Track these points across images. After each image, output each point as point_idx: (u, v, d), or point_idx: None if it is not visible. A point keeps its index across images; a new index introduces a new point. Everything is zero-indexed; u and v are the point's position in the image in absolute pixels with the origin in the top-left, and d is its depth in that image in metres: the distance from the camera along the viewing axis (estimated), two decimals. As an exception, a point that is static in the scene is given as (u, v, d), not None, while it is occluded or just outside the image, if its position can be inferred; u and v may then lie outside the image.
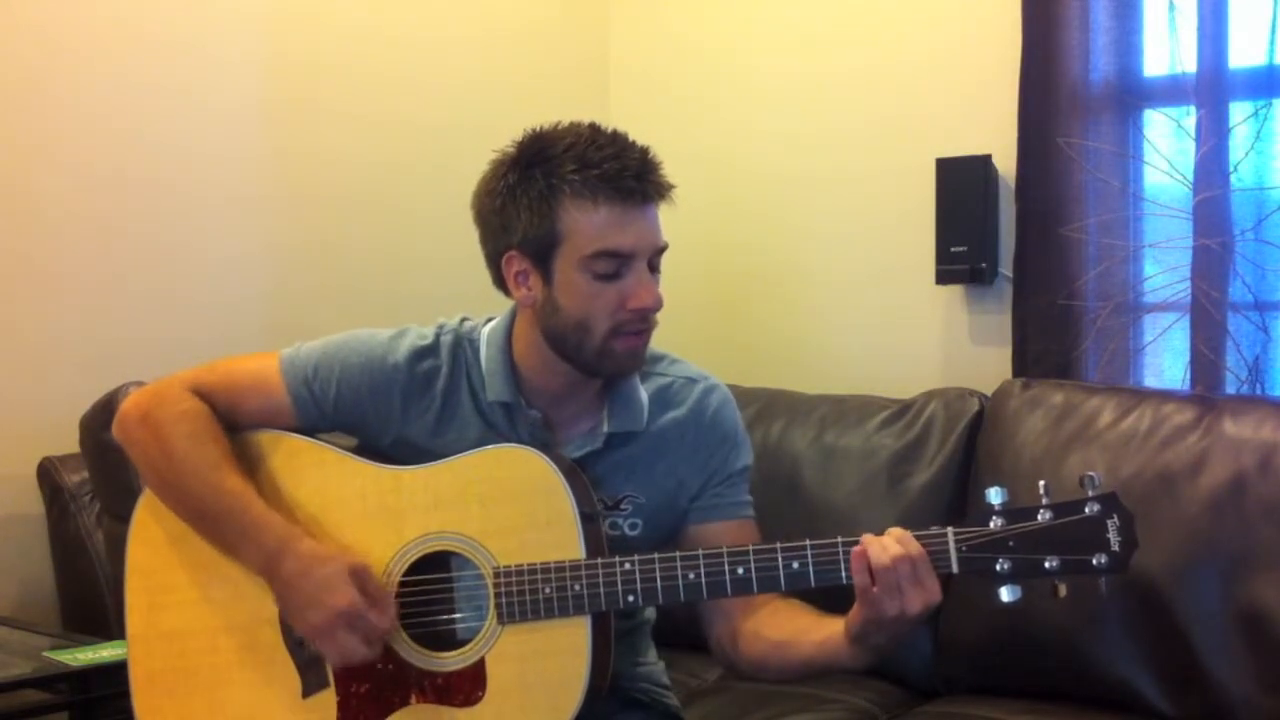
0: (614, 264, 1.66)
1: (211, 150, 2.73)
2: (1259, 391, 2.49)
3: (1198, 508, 2.19)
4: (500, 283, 1.75)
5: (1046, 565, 1.56)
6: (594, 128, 1.70)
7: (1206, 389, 2.49)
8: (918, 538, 1.57)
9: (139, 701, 1.76)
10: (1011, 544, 1.56)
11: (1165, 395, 2.40)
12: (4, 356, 2.47)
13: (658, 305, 1.70)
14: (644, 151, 1.69)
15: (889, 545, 1.56)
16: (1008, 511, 1.57)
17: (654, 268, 1.71)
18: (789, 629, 1.72)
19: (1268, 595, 2.11)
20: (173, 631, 1.76)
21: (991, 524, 1.57)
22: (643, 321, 1.70)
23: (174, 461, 1.72)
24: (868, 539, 1.57)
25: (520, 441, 1.73)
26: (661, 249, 1.71)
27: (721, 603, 1.75)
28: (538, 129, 1.73)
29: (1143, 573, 2.15)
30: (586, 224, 1.65)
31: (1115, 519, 1.56)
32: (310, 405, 1.77)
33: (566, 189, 1.65)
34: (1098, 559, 1.55)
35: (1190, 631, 2.16)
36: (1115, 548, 1.55)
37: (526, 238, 1.68)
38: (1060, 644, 2.25)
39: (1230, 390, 2.49)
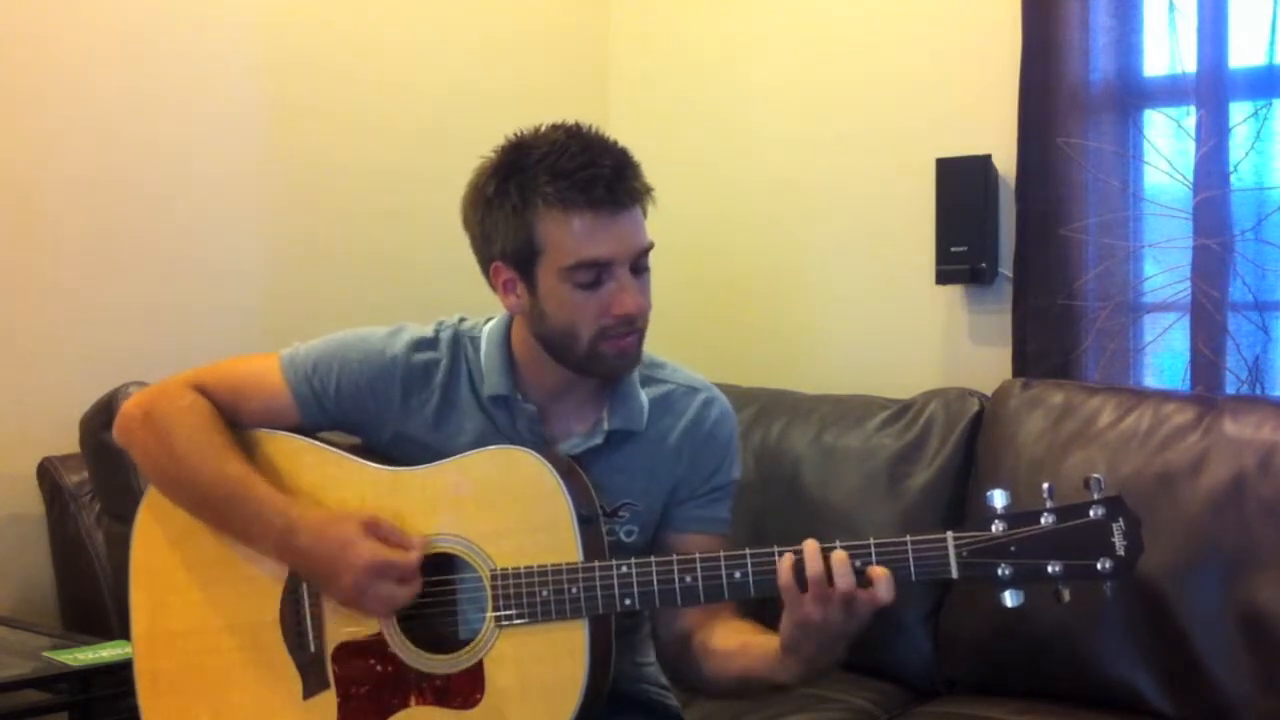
0: (593, 273, 1.65)
1: (211, 153, 2.73)
2: (1259, 391, 2.49)
3: (1198, 508, 2.19)
4: (493, 288, 1.75)
5: (1049, 570, 1.53)
6: (570, 133, 1.67)
7: (1206, 389, 2.49)
8: (916, 543, 1.56)
9: (144, 700, 1.77)
10: (1013, 549, 1.53)
11: (1165, 395, 2.40)
12: (4, 356, 2.47)
13: (640, 310, 1.69)
14: (619, 155, 1.66)
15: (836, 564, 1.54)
16: (1010, 515, 1.55)
17: (641, 268, 1.69)
18: (735, 641, 1.71)
19: (1268, 595, 2.11)
20: (177, 631, 1.76)
21: (993, 528, 1.54)
22: (629, 325, 1.68)
23: (176, 454, 1.72)
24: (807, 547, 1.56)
25: (519, 437, 1.74)
26: (644, 250, 1.69)
27: (679, 610, 1.74)
28: (518, 135, 1.70)
29: (1143, 573, 2.12)
30: (562, 236, 1.64)
31: (1121, 522, 1.53)
32: (312, 402, 1.78)
33: (540, 202, 1.64)
34: (1102, 563, 1.53)
35: (1190, 631, 2.16)
36: (1120, 552, 1.53)
37: (507, 250, 1.68)
38: (1060, 644, 2.25)
39: (1230, 390, 2.49)
